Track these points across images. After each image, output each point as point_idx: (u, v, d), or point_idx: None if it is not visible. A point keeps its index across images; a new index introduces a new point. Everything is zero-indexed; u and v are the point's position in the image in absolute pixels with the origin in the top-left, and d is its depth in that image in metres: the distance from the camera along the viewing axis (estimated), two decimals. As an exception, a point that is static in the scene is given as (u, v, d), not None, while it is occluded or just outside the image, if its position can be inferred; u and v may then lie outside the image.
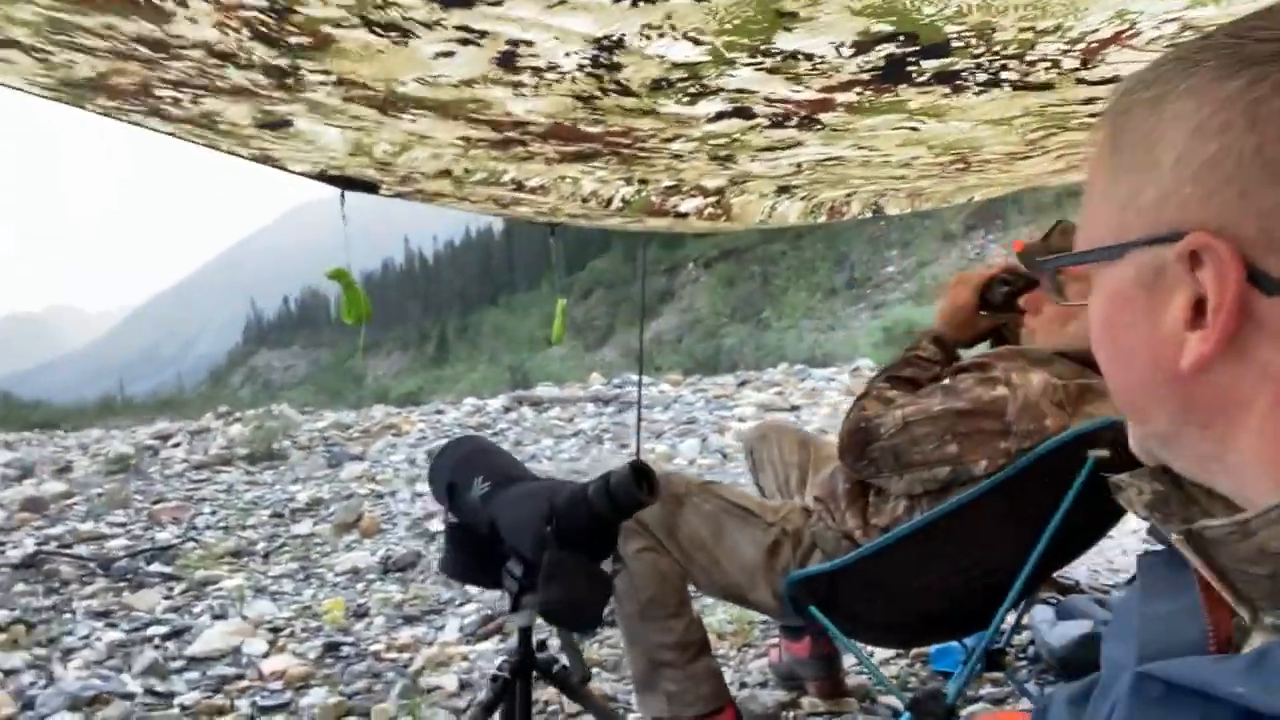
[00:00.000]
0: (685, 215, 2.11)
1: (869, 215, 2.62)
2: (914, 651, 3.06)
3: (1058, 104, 1.10)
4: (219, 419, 9.72)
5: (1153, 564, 0.72)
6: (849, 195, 2.16)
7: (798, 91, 1.04)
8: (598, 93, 1.07)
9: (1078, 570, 3.34)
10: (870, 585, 2.18)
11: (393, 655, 3.37)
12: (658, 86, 1.03)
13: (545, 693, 2.58)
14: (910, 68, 0.94)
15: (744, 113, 1.15)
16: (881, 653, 3.18)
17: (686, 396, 11.60)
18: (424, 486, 6.44)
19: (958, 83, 0.99)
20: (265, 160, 2.03)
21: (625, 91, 1.06)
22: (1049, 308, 2.04)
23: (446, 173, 1.74)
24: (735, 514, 2.38)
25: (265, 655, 3.33)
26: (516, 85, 1.07)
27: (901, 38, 0.83)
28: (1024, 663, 2.95)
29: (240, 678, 3.08)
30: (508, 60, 0.97)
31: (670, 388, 13.59)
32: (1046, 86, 1.01)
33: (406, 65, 1.03)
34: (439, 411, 10.84)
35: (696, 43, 0.86)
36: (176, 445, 8.28)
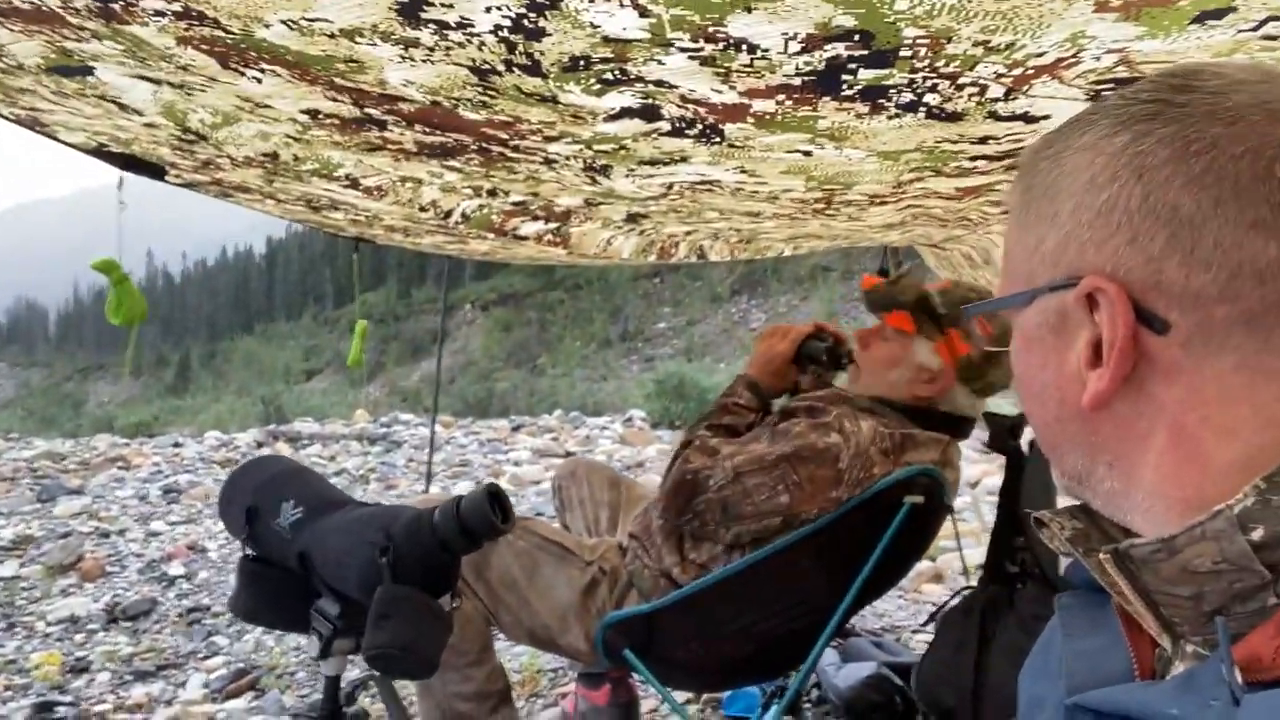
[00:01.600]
0: (524, 239, 2.00)
1: (693, 259, 2.63)
2: (705, 697, 3.05)
3: (953, 140, 1.12)
4: (-101, 442, 8.34)
5: (1070, 605, 0.71)
6: (688, 233, 2.14)
7: (719, 92, 0.98)
8: (500, 66, 0.96)
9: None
10: (689, 628, 2.13)
11: (122, 717, 2.94)
12: (572, 67, 0.93)
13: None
14: (845, 76, 0.91)
15: (650, 113, 1.08)
16: (675, 696, 3.15)
17: (459, 439, 11.34)
18: (160, 525, 5.78)
19: (880, 101, 0.98)
20: (32, 124, 1.72)
21: (532, 69, 0.95)
22: (877, 347, 2.11)
23: (270, 158, 1.53)
24: (551, 552, 2.27)
25: (-41, 717, 2.82)
26: (408, 45, 0.93)
27: (857, 36, 0.80)
28: (808, 705, 3.02)
29: (-74, 744, 2.58)
30: (412, 8, 0.84)
31: (442, 429, 13.22)
32: (957, 117, 1.02)
33: (281, -1, 0.87)
34: (177, 444, 9.96)
35: (644, 13, 0.78)
36: None
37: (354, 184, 1.64)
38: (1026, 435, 2.02)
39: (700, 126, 1.11)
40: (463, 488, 8.37)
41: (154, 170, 1.97)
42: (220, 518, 1.52)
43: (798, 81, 0.93)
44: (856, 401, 2.02)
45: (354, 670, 3.29)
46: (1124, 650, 0.62)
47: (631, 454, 10.31)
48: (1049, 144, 0.58)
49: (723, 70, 0.91)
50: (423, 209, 1.78)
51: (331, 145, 1.41)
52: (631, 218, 1.85)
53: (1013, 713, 1.83)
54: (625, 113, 1.08)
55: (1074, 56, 0.82)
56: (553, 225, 1.97)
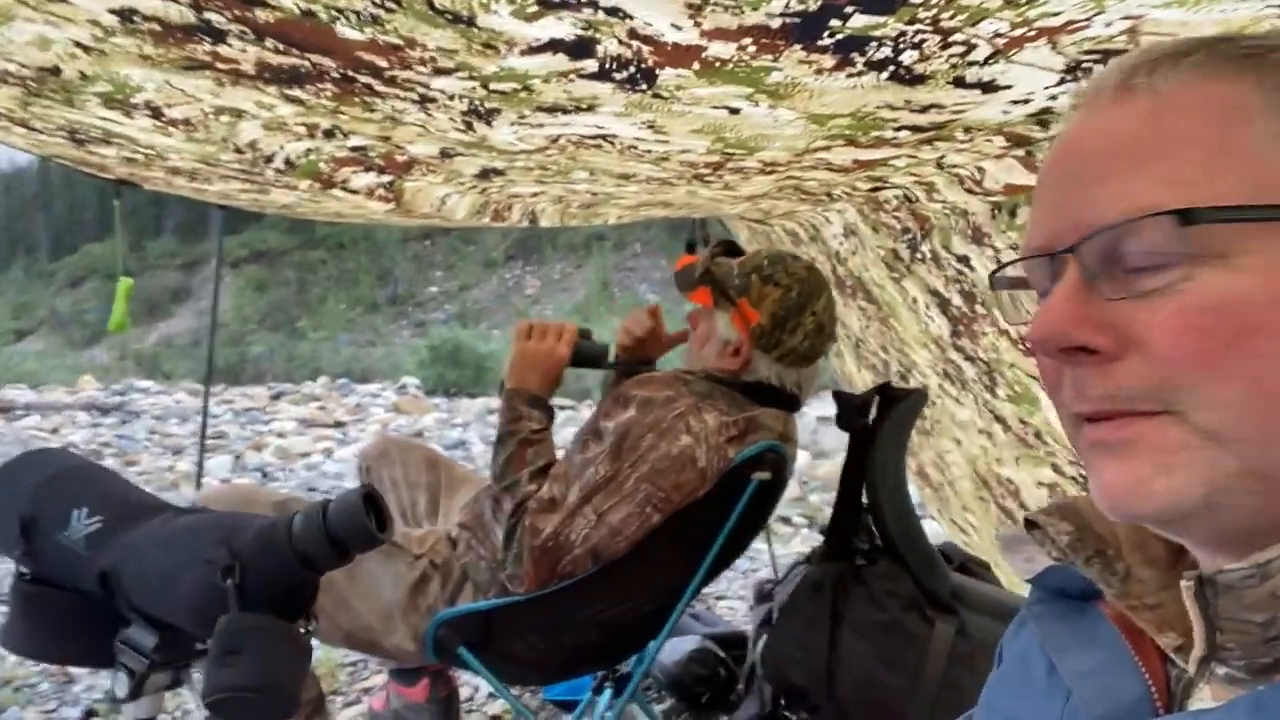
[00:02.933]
0: (353, 192, 1.74)
1: (524, 223, 2.45)
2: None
3: (896, 106, 1.04)
4: None
5: (1044, 614, 0.65)
6: (533, 195, 1.97)
7: (680, 30, 0.84)
8: (420, -30, 0.76)
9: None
10: (531, 622, 1.99)
11: None
12: (514, -21, 0.76)
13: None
14: (834, 21, 0.80)
15: (582, 48, 0.91)
16: (487, 687, 3.00)
17: (211, 407, 10.47)
18: None
19: (852, 55, 0.87)
20: None
21: (460, -23, 0.77)
22: (698, 326, 2.06)
23: (47, 73, 1.19)
24: (375, 547, 2.04)
25: None
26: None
27: (878, -26, 0.69)
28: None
29: None
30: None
31: (189, 397, 12.13)
32: (919, 80, 0.94)
33: None
34: None
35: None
36: None
37: (155, 113, 1.33)
38: (873, 413, 2.04)
39: (633, 69, 0.96)
40: (221, 461, 7.67)
41: None
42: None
43: (776, 23, 0.81)
44: (693, 385, 1.95)
45: (95, 691, 2.87)
46: (1133, 670, 0.56)
47: (408, 423, 9.90)
48: None
49: (696, 2, 0.78)
50: (238, 150, 1.48)
51: (138, 60, 1.12)
52: (484, 174, 1.65)
53: (865, 690, 1.82)
54: (552, 45, 0.90)
55: (1087, 20, 0.76)
56: (387, 179, 1.73)
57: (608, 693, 2.55)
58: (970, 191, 1.58)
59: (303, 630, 1.07)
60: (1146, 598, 0.57)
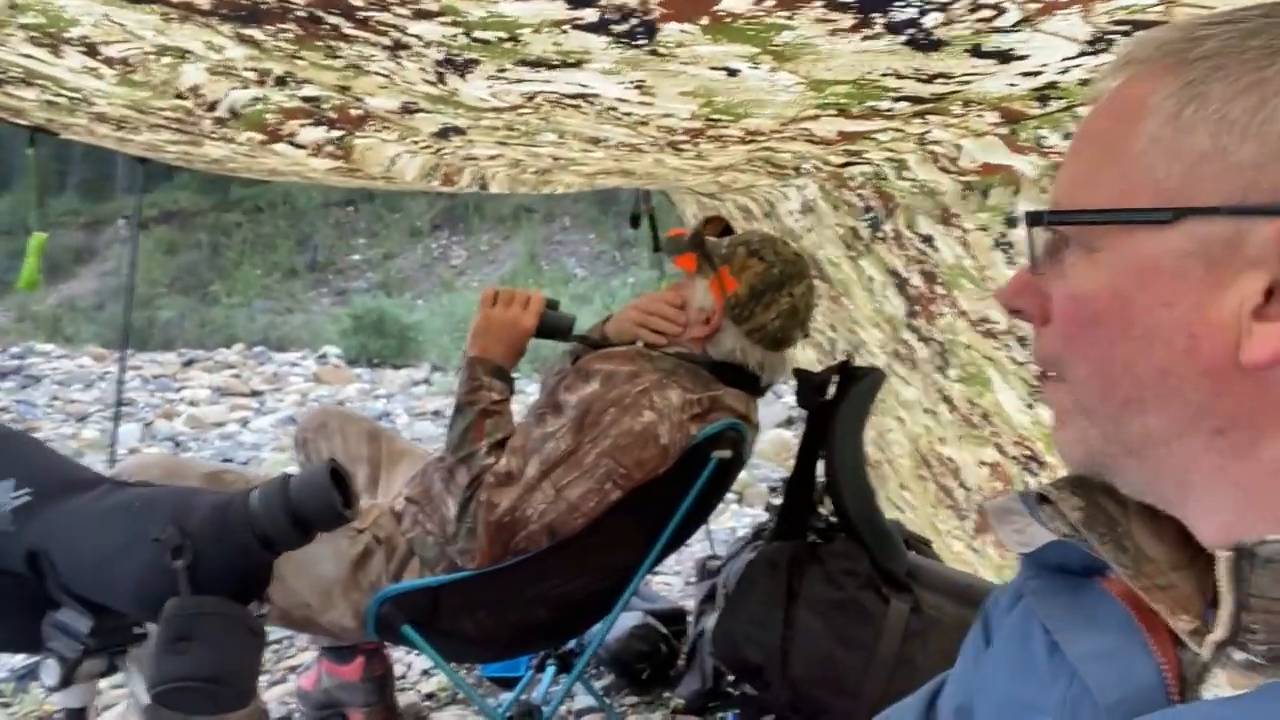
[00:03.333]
0: (301, 147, 1.63)
1: (474, 188, 2.36)
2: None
3: (901, 74, 1.00)
4: None
5: (1042, 591, 0.63)
6: (491, 157, 1.88)
7: (697, -24, 0.78)
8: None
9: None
10: (481, 599, 1.94)
11: None
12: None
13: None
14: (865, -24, 0.76)
15: (584, -6, 0.85)
16: (423, 662, 2.93)
17: (117, 373, 10.06)
18: None
19: (873, 15, 0.83)
20: None
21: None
22: (686, 295, 2.02)
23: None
24: (315, 520, 1.96)
25: None
26: None
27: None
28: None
29: None
30: None
31: (93, 362, 11.61)
32: (935, 46, 0.90)
33: None
34: None
35: None
36: None
37: (90, 51, 1.21)
38: (831, 390, 2.03)
39: (635, 21, 0.89)
40: (129, 429, 7.34)
41: None
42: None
43: (804, -26, 0.76)
44: (658, 361, 1.91)
45: None
46: (1147, 654, 0.54)
47: (329, 393, 9.63)
48: (1247, 34, 0.45)
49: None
50: (179, 95, 1.36)
51: (77, -13, 1.01)
52: (443, 132, 1.56)
53: (820, 668, 1.81)
54: (551, -10, 0.84)
55: (1127, -12, 0.73)
56: (337, 134, 1.62)
57: (550, 669, 2.51)
58: (944, 170, 1.56)
59: (256, 614, 1.00)
60: (1158, 578, 0.56)
